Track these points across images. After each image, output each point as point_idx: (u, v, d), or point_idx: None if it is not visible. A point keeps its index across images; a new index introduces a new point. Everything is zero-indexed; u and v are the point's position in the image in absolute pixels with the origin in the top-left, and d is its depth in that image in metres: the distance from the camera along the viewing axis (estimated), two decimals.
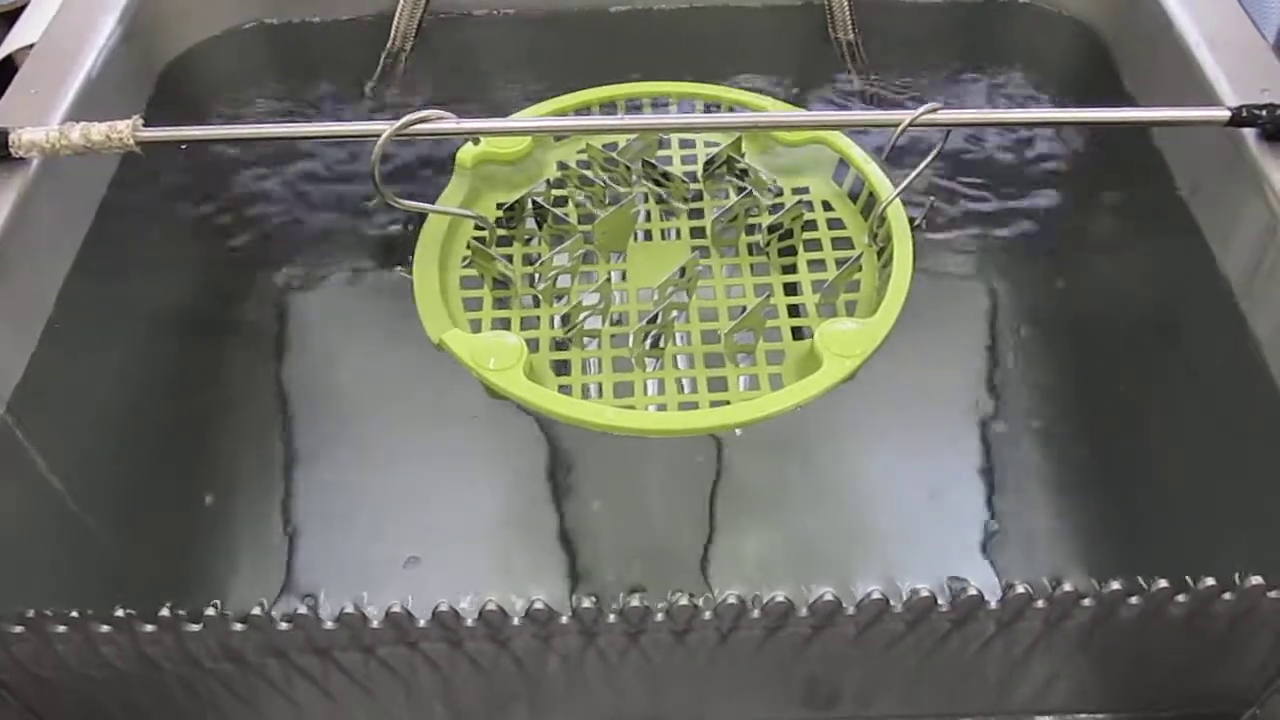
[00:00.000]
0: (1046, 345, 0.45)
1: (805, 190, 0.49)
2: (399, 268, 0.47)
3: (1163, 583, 0.35)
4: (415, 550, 0.40)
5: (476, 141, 0.48)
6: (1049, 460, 0.41)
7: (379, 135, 0.40)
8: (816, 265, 0.46)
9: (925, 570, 0.36)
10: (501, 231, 0.47)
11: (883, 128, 0.42)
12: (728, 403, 0.40)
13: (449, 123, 0.41)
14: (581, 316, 0.43)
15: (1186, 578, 0.35)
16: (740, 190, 0.47)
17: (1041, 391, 0.43)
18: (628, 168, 0.49)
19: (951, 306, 0.46)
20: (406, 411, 0.44)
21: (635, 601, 0.35)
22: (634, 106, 0.52)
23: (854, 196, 0.48)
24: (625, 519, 0.40)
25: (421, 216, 0.46)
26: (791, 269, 0.46)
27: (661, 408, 0.41)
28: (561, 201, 0.48)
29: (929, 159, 0.43)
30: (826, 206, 0.48)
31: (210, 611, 0.35)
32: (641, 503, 0.41)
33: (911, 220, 0.45)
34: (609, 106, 0.51)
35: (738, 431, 0.41)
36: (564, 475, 0.41)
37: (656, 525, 0.40)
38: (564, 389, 0.41)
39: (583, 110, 0.51)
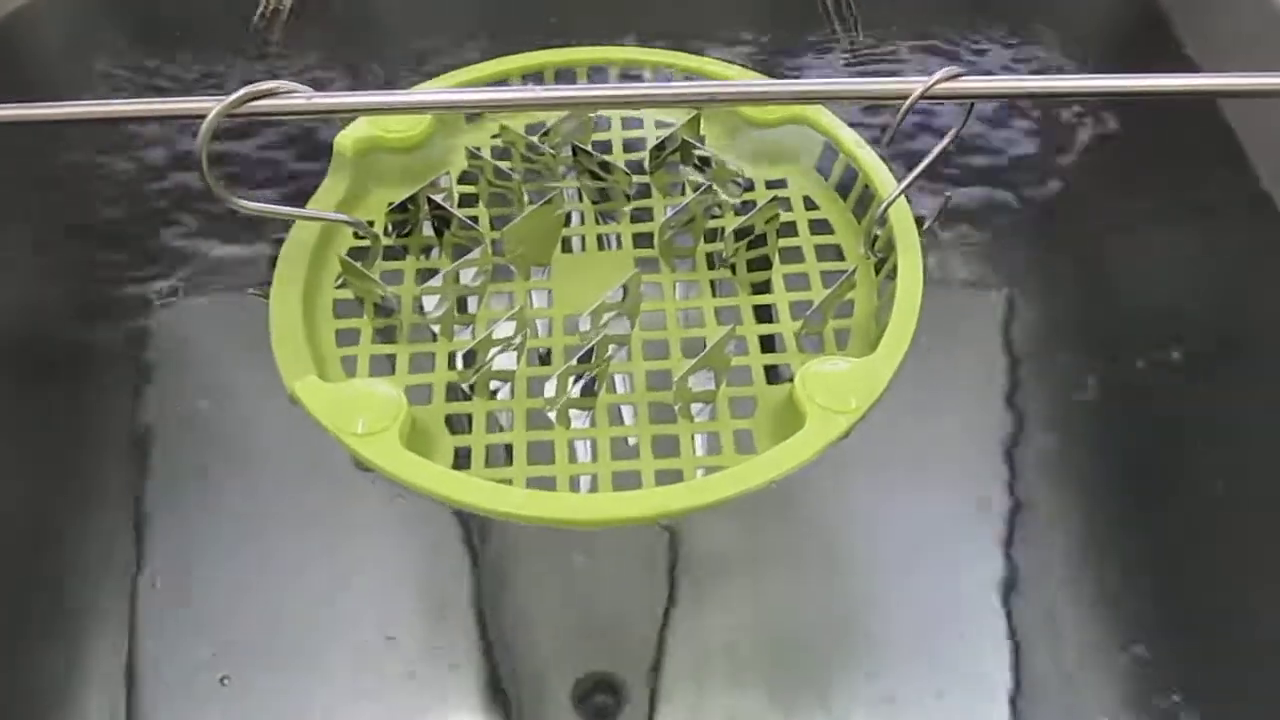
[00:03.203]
0: (1091, 385, 0.35)
1: (782, 184, 0.38)
2: (251, 289, 0.36)
3: None
4: (254, 668, 0.29)
5: (344, 125, 0.37)
6: (1095, 540, 0.31)
7: (207, 114, 0.30)
8: (797, 282, 0.36)
9: (936, 690, 0.27)
10: (389, 241, 0.37)
11: (884, 102, 0.31)
12: (680, 473, 0.30)
13: (299, 98, 0.30)
14: (490, 354, 0.33)
15: None
16: (699, 185, 0.37)
17: (1087, 445, 0.33)
18: (554, 155, 0.38)
19: (971, 338, 0.36)
20: (266, 479, 0.34)
21: None
22: (565, 77, 0.41)
23: (844, 192, 0.38)
24: (544, 624, 0.30)
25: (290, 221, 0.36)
26: (765, 287, 0.35)
27: (593, 480, 0.31)
28: (471, 200, 0.38)
29: (945, 141, 0.32)
30: (809, 205, 0.38)
31: None
32: (566, 600, 0.31)
33: (920, 221, 0.35)
34: (534, 77, 0.41)
35: None
36: (466, 568, 0.31)
37: (586, 630, 0.30)
38: (462, 453, 0.31)
39: (499, 82, 0.40)
